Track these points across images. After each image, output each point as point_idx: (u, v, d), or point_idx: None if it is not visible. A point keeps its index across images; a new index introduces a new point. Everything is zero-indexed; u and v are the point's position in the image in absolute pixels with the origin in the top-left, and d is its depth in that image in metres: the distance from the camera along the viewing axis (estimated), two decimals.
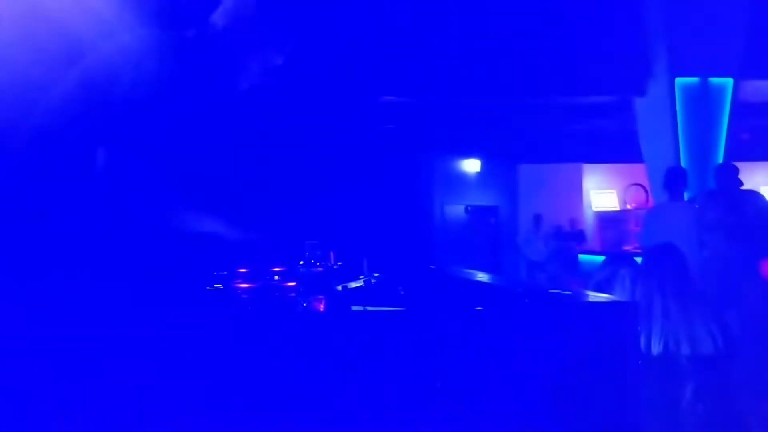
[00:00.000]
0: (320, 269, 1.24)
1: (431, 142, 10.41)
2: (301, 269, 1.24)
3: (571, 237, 11.36)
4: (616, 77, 9.61)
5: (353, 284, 1.69)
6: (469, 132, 11.52)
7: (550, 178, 12.77)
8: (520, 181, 12.57)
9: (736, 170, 6.37)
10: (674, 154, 9.02)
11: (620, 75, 9.54)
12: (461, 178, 11.42)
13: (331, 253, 2.27)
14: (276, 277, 1.86)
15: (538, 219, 11.74)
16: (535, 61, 9.17)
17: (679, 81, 8.91)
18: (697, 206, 5.72)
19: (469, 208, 11.43)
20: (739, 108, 9.02)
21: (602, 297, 1.34)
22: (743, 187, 6.49)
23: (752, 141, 12.69)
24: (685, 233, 5.33)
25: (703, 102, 8.97)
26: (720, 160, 8.89)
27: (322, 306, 1.23)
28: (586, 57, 9.19)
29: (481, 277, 1.79)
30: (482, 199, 11.68)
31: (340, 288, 1.65)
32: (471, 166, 11.59)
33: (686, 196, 6.07)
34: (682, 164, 8.94)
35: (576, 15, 9.10)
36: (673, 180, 5.95)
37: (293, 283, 1.78)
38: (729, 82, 8.89)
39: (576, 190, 13.36)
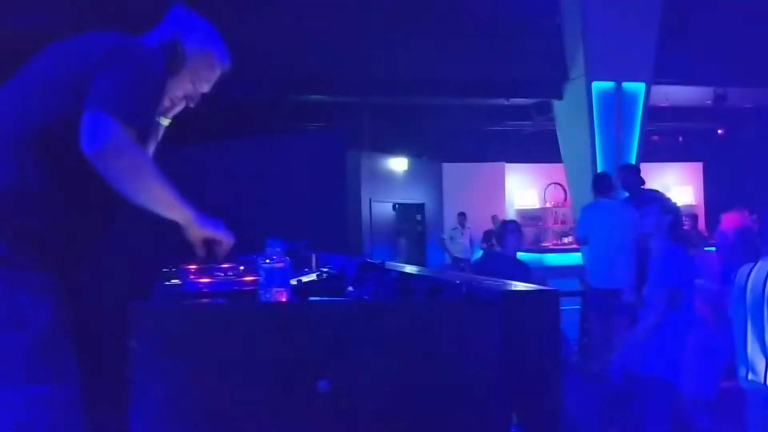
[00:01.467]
0: (281, 265, 1.30)
1: (359, 141, 10.53)
2: (263, 264, 1.29)
3: (494, 235, 11.67)
4: (535, 81, 9.96)
5: (306, 278, 1.76)
6: (397, 131, 11.71)
7: (473, 177, 13.07)
8: (444, 180, 12.82)
9: (638, 170, 6.75)
10: (591, 154, 9.36)
11: (540, 78, 9.88)
12: (389, 175, 11.60)
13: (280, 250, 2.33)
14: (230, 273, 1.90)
15: (461, 217, 12.01)
16: (460, 64, 9.38)
17: (596, 85, 9.25)
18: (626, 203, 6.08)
19: (396, 205, 11.61)
20: (650, 111, 9.48)
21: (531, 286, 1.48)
22: (644, 187, 6.89)
23: (661, 143, 13.39)
24: (618, 227, 5.69)
25: (617, 105, 9.34)
26: (633, 161, 9.32)
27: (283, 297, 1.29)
28: (507, 60, 9.46)
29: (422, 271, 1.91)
30: (409, 196, 11.88)
31: (294, 282, 1.71)
32: (398, 164, 11.77)
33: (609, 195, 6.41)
34: (598, 164, 9.33)
35: (497, 19, 9.36)
36: (602, 181, 6.34)
37: (251, 278, 1.81)
38: (642, 86, 9.30)
39: (498, 188, 13.74)
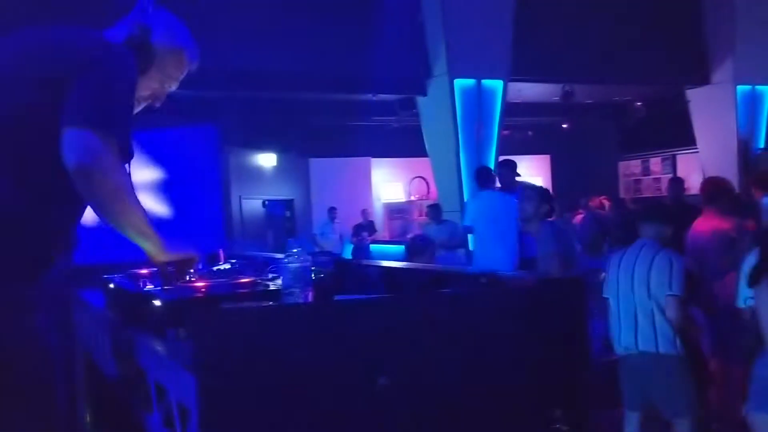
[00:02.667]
0: (306, 264, 1.30)
1: (227, 137, 10.32)
2: (288, 265, 1.29)
3: (365, 228, 11.91)
4: (400, 77, 10.24)
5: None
6: (264, 126, 11.59)
7: (340, 172, 13.21)
8: (312, 175, 12.86)
9: (515, 165, 7.21)
10: (455, 149, 9.78)
11: (404, 75, 10.16)
12: (258, 172, 11.47)
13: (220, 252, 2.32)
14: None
15: (332, 211, 12.12)
16: (327, 59, 9.46)
17: (458, 82, 9.66)
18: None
19: (266, 201, 11.51)
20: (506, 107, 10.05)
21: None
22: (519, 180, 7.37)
23: (513, 137, 14.21)
24: (502, 216, 6.05)
25: (477, 102, 9.82)
26: (493, 154, 9.85)
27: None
28: (373, 57, 9.65)
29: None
30: (278, 192, 11.82)
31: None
32: (267, 160, 11.67)
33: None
34: (462, 158, 9.78)
35: (363, 15, 9.53)
36: (484, 174, 6.70)
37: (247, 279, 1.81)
38: (500, 84, 9.84)
39: (365, 183, 13.98)
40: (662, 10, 10.86)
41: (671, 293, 3.44)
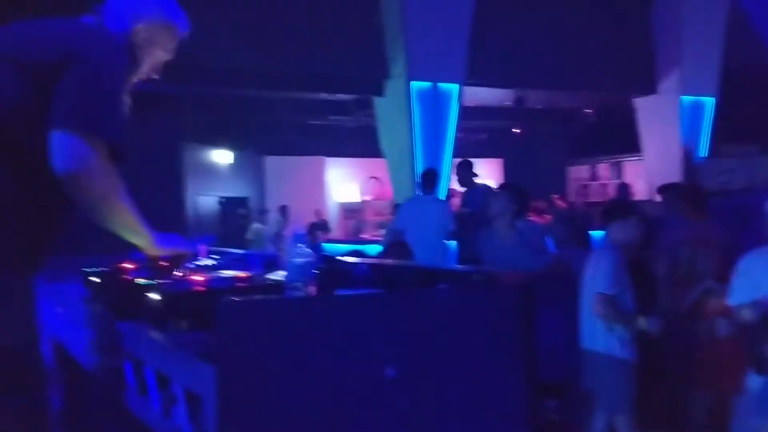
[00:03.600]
0: (308, 260, 1.34)
1: (182, 133, 10.21)
2: (292, 260, 1.33)
3: (318, 227, 11.92)
4: (358, 77, 10.29)
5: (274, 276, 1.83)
6: (219, 123, 11.50)
7: (295, 170, 13.18)
8: (267, 173, 12.81)
9: (472, 165, 7.35)
10: (410, 150, 9.88)
11: (362, 75, 10.22)
12: (213, 169, 11.37)
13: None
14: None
15: (284, 210, 12.09)
16: (284, 57, 9.45)
17: (414, 84, 9.77)
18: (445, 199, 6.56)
19: (222, 199, 11.41)
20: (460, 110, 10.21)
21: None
22: (477, 180, 7.52)
23: (467, 140, 14.43)
24: (434, 222, 6.14)
25: (433, 104, 9.94)
26: (449, 156, 9.99)
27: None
28: (330, 56, 9.68)
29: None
30: (233, 190, 11.73)
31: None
32: (222, 157, 11.58)
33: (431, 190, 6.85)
34: (417, 159, 9.89)
35: (322, 14, 9.55)
36: (428, 177, 6.75)
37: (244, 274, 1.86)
38: (456, 87, 9.99)
39: (320, 182, 13.98)
40: (612, 21, 11.22)
41: (598, 291, 3.53)
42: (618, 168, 14.98)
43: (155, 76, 2.00)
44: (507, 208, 4.34)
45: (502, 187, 4.65)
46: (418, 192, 6.86)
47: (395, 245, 5.17)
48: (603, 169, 15.46)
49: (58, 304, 2.66)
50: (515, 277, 1.39)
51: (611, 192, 13.86)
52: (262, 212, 11.92)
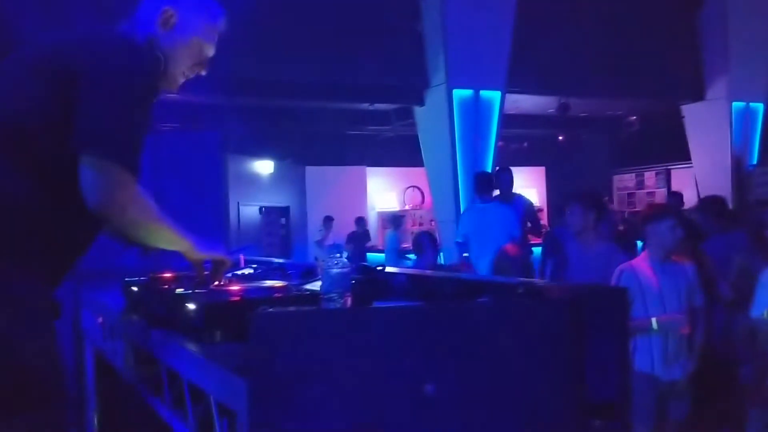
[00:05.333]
0: (345, 270, 1.30)
1: (226, 143, 10.32)
2: (328, 270, 1.29)
3: (358, 237, 11.93)
4: (398, 87, 10.29)
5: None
6: (261, 133, 11.60)
7: (335, 180, 13.22)
8: (307, 183, 12.87)
9: (511, 173, 7.25)
10: (452, 159, 9.82)
11: (402, 85, 10.22)
12: (255, 178, 11.47)
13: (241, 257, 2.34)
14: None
15: (328, 220, 12.13)
16: (324, 68, 9.49)
17: (456, 92, 9.72)
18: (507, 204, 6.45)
19: (262, 208, 11.50)
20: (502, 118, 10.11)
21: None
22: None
23: (508, 148, 14.29)
24: (501, 231, 6.04)
25: (475, 112, 9.88)
26: (490, 164, 9.90)
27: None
28: (371, 66, 9.70)
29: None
30: (274, 199, 11.81)
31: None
32: (264, 167, 11.68)
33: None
34: (458, 168, 9.82)
35: (361, 24, 9.58)
36: (484, 181, 6.66)
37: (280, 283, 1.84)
38: (497, 95, 9.90)
39: (360, 191, 14.00)
40: (659, 26, 10.99)
41: None
42: (665, 176, 14.65)
43: (202, 72, 1.97)
44: (588, 218, 4.27)
45: (572, 199, 4.50)
46: (476, 197, 6.74)
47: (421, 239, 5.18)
48: (649, 177, 15.13)
49: (99, 313, 2.67)
50: (563, 289, 1.32)
51: (659, 201, 13.55)
52: (327, 221, 11.98)
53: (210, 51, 1.95)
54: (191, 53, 1.91)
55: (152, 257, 2.02)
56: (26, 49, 1.79)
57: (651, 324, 3.53)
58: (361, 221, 12.26)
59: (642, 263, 3.73)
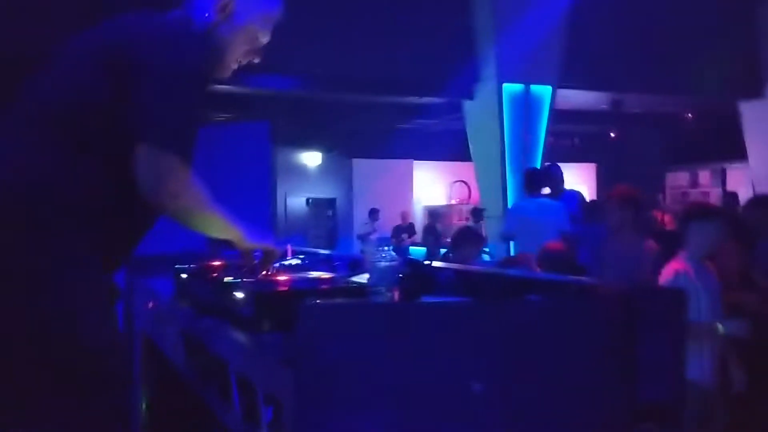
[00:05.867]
0: (394, 263, 1.29)
1: (275, 135, 10.42)
2: (377, 263, 1.28)
3: (404, 230, 11.92)
4: (447, 80, 10.22)
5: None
6: (309, 125, 11.68)
7: (382, 173, 13.23)
8: (354, 175, 12.91)
9: (561, 170, 7.13)
10: (500, 154, 9.71)
11: (452, 78, 10.14)
12: (302, 170, 11.56)
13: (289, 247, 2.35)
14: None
15: (374, 213, 12.15)
16: (373, 60, 9.48)
17: (506, 87, 9.60)
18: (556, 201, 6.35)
19: (309, 200, 11.59)
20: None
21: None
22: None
23: (558, 144, 14.09)
24: (549, 227, 5.95)
25: (525, 107, 9.74)
26: (539, 160, 9.76)
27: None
28: (420, 59, 9.64)
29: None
30: (321, 191, 11.89)
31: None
32: (311, 159, 11.76)
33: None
34: (507, 163, 9.71)
35: (411, 17, 9.52)
36: (534, 177, 6.56)
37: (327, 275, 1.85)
38: (548, 90, 9.75)
39: (407, 185, 13.98)
40: (716, 21, 10.67)
41: None
42: (720, 175, 14.25)
43: (256, 60, 1.97)
44: (625, 217, 4.17)
45: (610, 196, 4.42)
46: (528, 193, 6.64)
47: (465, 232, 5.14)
48: (704, 176, 14.74)
49: (150, 299, 2.71)
50: (616, 288, 1.28)
51: (713, 200, 13.20)
52: (373, 213, 12.02)
53: (265, 39, 1.95)
54: (247, 41, 1.91)
55: (218, 245, 2.04)
56: (85, 35, 1.82)
57: (716, 328, 3.38)
58: (373, 213, 12.11)
59: (682, 263, 3.58)
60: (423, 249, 10.65)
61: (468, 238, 4.96)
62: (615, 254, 4.21)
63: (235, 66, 1.93)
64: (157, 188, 1.61)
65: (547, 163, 8.40)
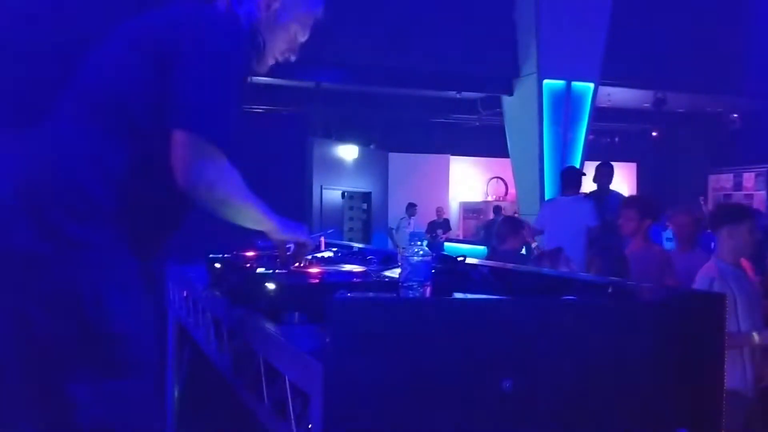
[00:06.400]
0: (428, 258, 1.28)
1: (311, 127, 10.46)
2: (410, 258, 1.27)
3: (439, 226, 11.88)
4: (487, 76, 10.13)
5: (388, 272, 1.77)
6: (346, 118, 11.69)
7: (418, 168, 13.19)
8: (390, 169, 12.89)
9: (612, 169, 7.03)
10: (539, 151, 9.60)
11: (491, 74, 10.05)
12: (338, 163, 11.58)
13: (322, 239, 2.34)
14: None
15: (411, 207, 12.12)
16: (412, 54, 9.44)
17: (547, 83, 9.47)
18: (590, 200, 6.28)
19: (344, 193, 11.61)
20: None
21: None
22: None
23: (597, 142, 13.87)
24: (576, 223, 5.90)
25: (565, 104, 9.61)
26: (579, 158, 9.62)
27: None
28: (460, 54, 9.58)
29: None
30: (357, 184, 11.90)
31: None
32: (348, 152, 11.77)
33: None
34: (545, 161, 9.59)
35: (452, 12, 9.45)
36: (570, 176, 6.51)
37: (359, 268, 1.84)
38: (590, 87, 9.60)
39: (443, 180, 13.92)
40: (760, 20, 10.37)
41: None
42: (766, 178, 13.89)
43: (292, 57, 1.98)
44: (643, 224, 4.17)
45: (628, 201, 4.42)
46: (562, 191, 6.60)
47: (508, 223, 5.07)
48: (748, 179, 14.38)
49: (184, 287, 2.74)
50: (654, 292, 1.24)
51: (756, 204, 12.88)
52: (410, 208, 12.02)
53: (303, 37, 1.96)
54: (287, 38, 1.93)
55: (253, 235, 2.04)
56: (130, 23, 1.83)
57: (752, 338, 3.28)
58: (411, 207, 12.04)
59: (715, 268, 3.46)
60: (483, 248, 10.46)
61: (514, 230, 4.93)
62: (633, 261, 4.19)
63: (272, 61, 1.94)
64: (192, 177, 1.61)
65: (599, 162, 8.20)
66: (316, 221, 9.91)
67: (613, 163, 7.07)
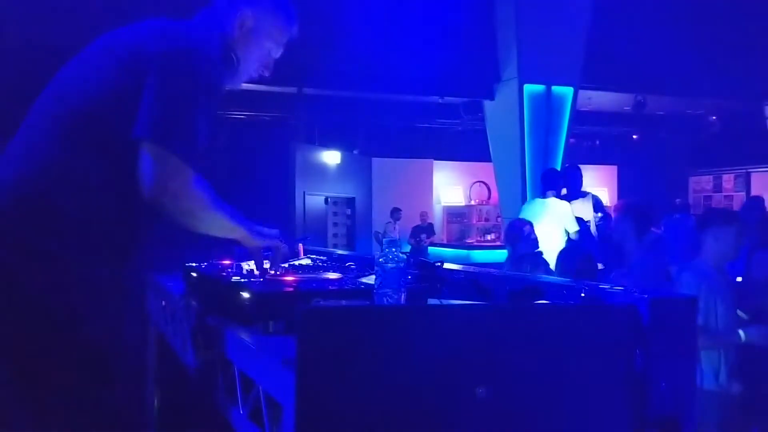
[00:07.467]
0: (401, 265, 1.27)
1: (294, 133, 10.45)
2: (385, 265, 1.26)
3: (423, 230, 11.89)
4: (468, 80, 10.17)
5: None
6: (329, 124, 11.68)
7: (402, 173, 13.20)
8: (374, 174, 12.90)
9: (581, 171, 7.06)
10: (520, 155, 9.65)
11: (472, 79, 10.09)
12: (322, 168, 11.56)
13: (300, 246, 2.34)
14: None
15: (396, 212, 12.12)
16: (394, 60, 9.45)
17: (527, 87, 9.53)
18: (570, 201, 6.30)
19: (328, 198, 11.59)
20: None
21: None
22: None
23: (578, 146, 13.97)
24: (555, 224, 5.93)
25: (546, 108, 9.67)
26: (559, 162, 9.68)
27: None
28: (441, 59, 9.61)
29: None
30: (340, 190, 11.89)
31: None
32: (331, 157, 11.76)
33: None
34: (527, 164, 9.64)
35: (433, 17, 9.49)
36: (549, 179, 6.54)
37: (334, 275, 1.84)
38: (570, 90, 9.67)
39: (426, 185, 13.94)
40: (743, 21, 10.50)
41: None
42: (745, 179, 14.04)
43: (266, 73, 2.00)
44: (629, 231, 4.18)
45: (618, 209, 4.44)
46: (542, 192, 6.62)
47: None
48: (728, 180, 14.53)
49: (162, 297, 2.72)
50: (626, 295, 1.25)
51: (736, 205, 13.01)
52: (395, 213, 12.00)
53: (277, 54, 1.99)
54: (261, 55, 1.96)
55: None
56: (105, 37, 1.84)
57: (739, 336, 3.31)
58: (396, 212, 12.03)
59: (698, 270, 3.51)
60: (445, 250, 10.52)
61: (524, 233, 4.93)
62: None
63: (246, 77, 1.96)
64: (157, 188, 1.62)
65: (566, 164, 8.32)
66: (299, 227, 9.90)
67: (594, 166, 7.15)
